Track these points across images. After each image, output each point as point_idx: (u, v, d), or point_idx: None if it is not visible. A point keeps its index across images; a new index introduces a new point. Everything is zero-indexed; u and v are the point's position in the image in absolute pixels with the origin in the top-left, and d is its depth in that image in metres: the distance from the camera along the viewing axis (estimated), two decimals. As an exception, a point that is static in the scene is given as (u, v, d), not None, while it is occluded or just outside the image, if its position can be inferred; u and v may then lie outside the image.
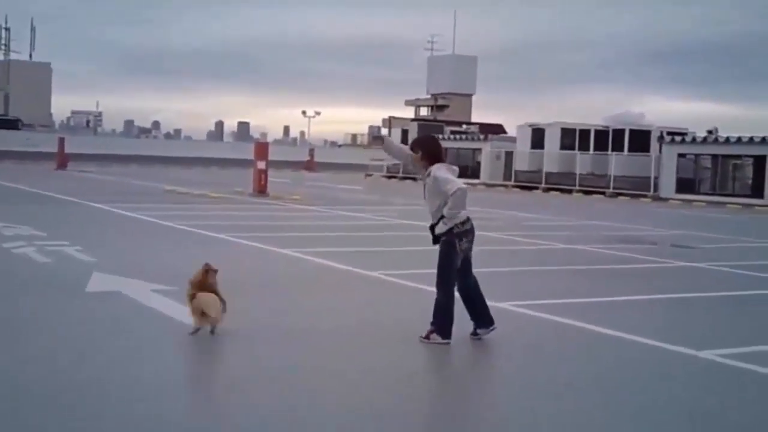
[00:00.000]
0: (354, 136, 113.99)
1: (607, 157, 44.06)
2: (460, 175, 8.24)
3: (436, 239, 8.00)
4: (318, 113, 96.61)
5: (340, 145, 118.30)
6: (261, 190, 29.83)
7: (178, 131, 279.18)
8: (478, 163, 52.74)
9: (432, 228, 7.99)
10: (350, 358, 7.33)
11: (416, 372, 7.11)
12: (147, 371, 6.62)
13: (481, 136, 54.61)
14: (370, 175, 60.20)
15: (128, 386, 6.18)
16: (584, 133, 46.37)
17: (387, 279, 11.55)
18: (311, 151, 71.74)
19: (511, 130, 61.31)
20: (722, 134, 40.94)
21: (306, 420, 5.58)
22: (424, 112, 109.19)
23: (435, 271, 7.97)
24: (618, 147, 43.98)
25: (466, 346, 7.93)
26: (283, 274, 12.06)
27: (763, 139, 37.79)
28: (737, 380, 7.08)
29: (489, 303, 8.11)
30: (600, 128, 46.29)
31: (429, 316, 7.88)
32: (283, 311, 9.24)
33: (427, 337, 7.81)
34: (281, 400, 6.02)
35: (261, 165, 30.37)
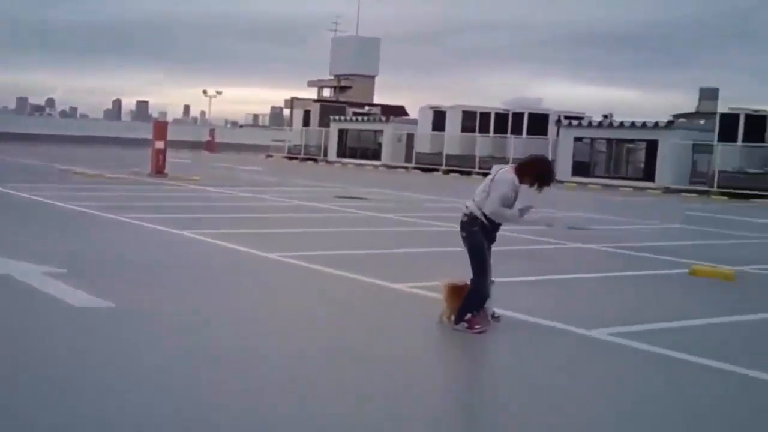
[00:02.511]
0: (256, 117, 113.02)
1: (506, 140, 44.70)
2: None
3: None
4: (219, 93, 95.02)
5: (241, 126, 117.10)
6: (159, 170, 29.30)
7: (74, 109, 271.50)
8: (380, 145, 52.86)
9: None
10: (242, 343, 7.25)
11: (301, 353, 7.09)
12: (32, 356, 6.42)
13: (383, 118, 54.69)
14: (271, 156, 59.77)
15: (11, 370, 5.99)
16: (485, 116, 46.90)
17: (284, 260, 11.46)
18: (212, 132, 70.79)
19: (413, 113, 61.61)
20: (617, 119, 41.98)
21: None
22: (327, 93, 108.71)
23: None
24: (517, 130, 44.64)
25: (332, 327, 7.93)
26: (178, 255, 11.86)
27: (656, 124, 38.90)
28: (626, 357, 7.27)
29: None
30: (500, 111, 46.90)
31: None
32: (175, 294, 9.09)
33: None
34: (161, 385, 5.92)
35: (159, 145, 29.83)
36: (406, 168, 49.04)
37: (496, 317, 8.16)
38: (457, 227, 8.10)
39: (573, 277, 11.44)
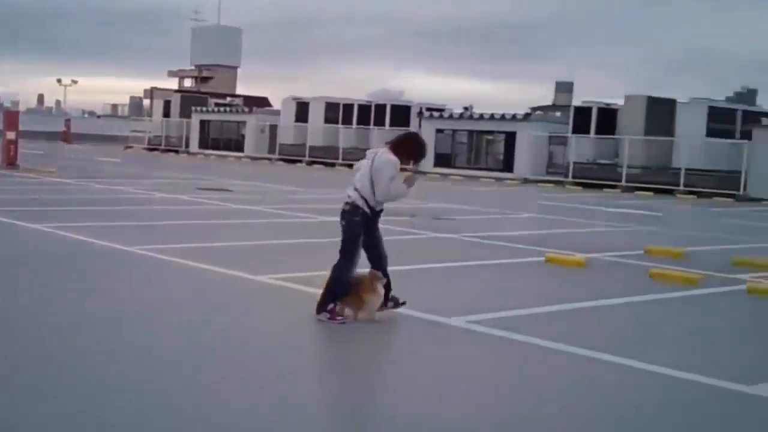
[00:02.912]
0: (115, 107, 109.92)
1: (369, 131, 45.05)
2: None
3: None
4: (75, 82, 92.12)
5: (99, 116, 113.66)
6: (11, 161, 28.26)
7: None
8: (243, 136, 52.42)
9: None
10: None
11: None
12: None
13: (246, 109, 54.25)
14: (131, 147, 58.38)
15: None
16: (348, 108, 47.13)
17: (145, 254, 11.26)
18: (67, 122, 68.56)
19: (276, 104, 61.32)
20: (477, 111, 42.93)
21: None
22: (188, 83, 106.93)
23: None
24: (380, 122, 45.04)
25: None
26: (33, 250, 11.48)
27: (514, 116, 39.97)
28: (482, 343, 7.49)
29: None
30: (363, 103, 47.22)
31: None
32: (29, 291, 8.81)
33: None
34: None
35: (10, 135, 28.79)
36: (269, 159, 48.79)
37: (402, 303, 8.22)
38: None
39: (434, 266, 11.66)
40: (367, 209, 7.90)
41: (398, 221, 17.44)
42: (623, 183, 34.50)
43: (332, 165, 44.97)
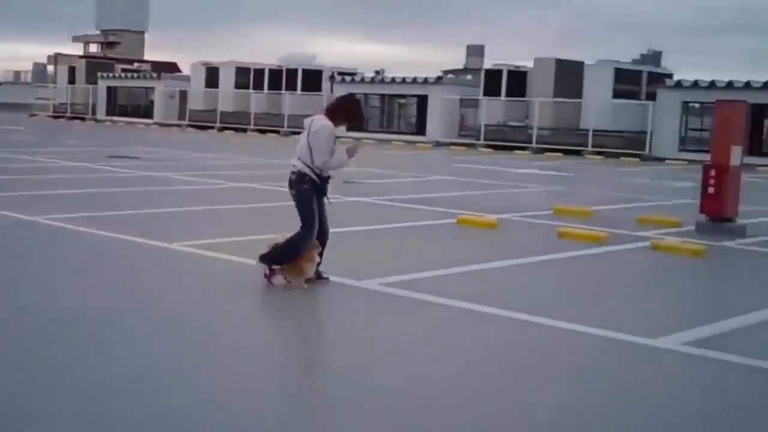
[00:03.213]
0: (17, 74, 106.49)
1: (281, 97, 44.69)
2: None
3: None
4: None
5: (0, 83, 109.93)
6: None
7: None
8: (152, 103, 51.46)
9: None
10: None
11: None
12: None
13: (154, 75, 53.18)
14: (36, 115, 56.78)
15: None
16: (259, 73, 46.60)
17: (53, 224, 11.00)
18: (-34, 90, 66.17)
19: (185, 69, 60.26)
20: (389, 75, 42.97)
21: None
22: (93, 48, 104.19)
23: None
24: (291, 86, 44.70)
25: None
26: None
27: (425, 79, 40.09)
28: (393, 304, 7.57)
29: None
30: (274, 68, 46.74)
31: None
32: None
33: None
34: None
35: None
36: (179, 126, 48.05)
37: (325, 278, 8.21)
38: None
39: (346, 230, 11.69)
40: (314, 176, 7.89)
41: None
42: (533, 145, 35.02)
43: (244, 131, 44.51)
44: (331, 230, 8.26)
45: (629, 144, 33.52)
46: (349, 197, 15.62)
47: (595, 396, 5.40)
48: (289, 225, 8.16)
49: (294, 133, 42.69)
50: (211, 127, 46.14)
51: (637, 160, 31.85)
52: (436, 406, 5.04)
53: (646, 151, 32.78)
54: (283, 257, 7.88)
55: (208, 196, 15.08)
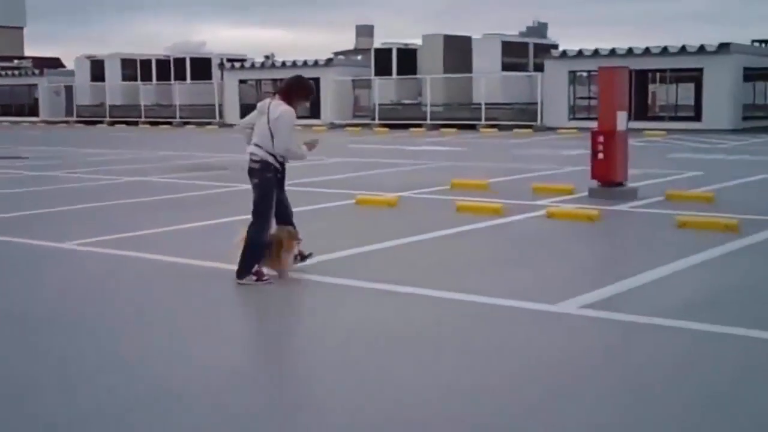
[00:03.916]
0: None
1: (170, 87, 43.93)
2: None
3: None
4: None
5: None
6: None
7: None
8: (36, 100, 49.91)
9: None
10: None
11: None
12: None
13: (37, 71, 51.57)
14: None
15: None
16: (146, 64, 45.71)
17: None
18: None
19: (69, 64, 58.61)
20: (279, 59, 42.61)
21: None
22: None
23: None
24: (181, 76, 43.97)
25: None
26: None
27: (315, 62, 39.92)
28: (301, 287, 7.55)
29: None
30: (161, 58, 45.89)
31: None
32: None
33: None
34: None
35: None
36: (67, 122, 46.80)
37: (308, 255, 8.20)
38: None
39: (242, 218, 11.56)
40: (277, 164, 7.73)
41: (210, 176, 17.20)
42: (428, 121, 35.31)
43: (135, 123, 43.63)
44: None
45: (521, 115, 34.11)
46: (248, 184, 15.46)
47: (495, 364, 5.48)
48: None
49: (186, 123, 42.10)
50: (101, 122, 45.10)
51: (530, 130, 32.44)
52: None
53: (538, 122, 33.42)
54: (254, 259, 7.66)
55: (98, 192, 14.71)
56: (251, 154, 7.76)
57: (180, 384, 5.12)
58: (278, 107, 7.71)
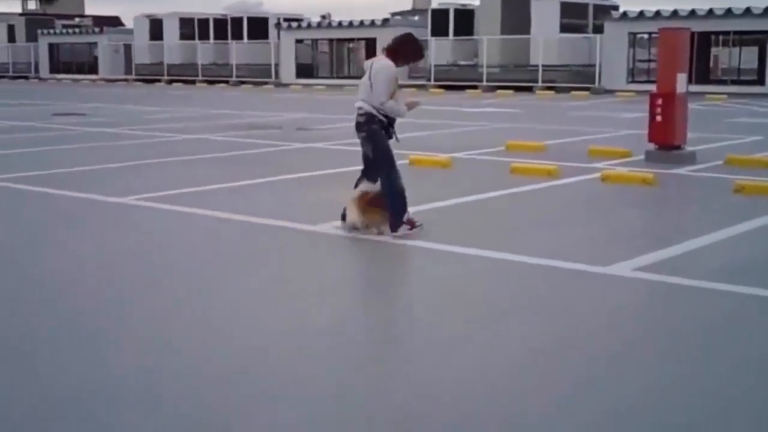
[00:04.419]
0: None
1: (227, 46, 44.14)
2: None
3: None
4: None
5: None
6: None
7: None
8: (96, 58, 50.51)
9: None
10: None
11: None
12: None
13: (97, 30, 52.16)
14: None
15: None
16: (203, 23, 45.95)
17: (13, 187, 10.87)
18: None
19: (128, 22, 59.20)
20: (335, 19, 42.53)
21: None
22: (32, 5, 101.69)
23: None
24: (238, 35, 44.16)
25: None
26: None
27: (372, 22, 39.78)
28: (353, 245, 7.63)
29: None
30: (219, 17, 46.09)
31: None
32: None
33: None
34: None
35: None
36: (126, 80, 47.34)
37: (419, 225, 8.16)
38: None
39: (299, 176, 11.68)
40: (381, 117, 7.76)
41: (264, 134, 17.35)
42: (484, 83, 35.05)
43: (192, 82, 43.99)
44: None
45: (579, 78, 33.67)
46: (302, 143, 15.58)
47: (551, 326, 5.51)
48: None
49: (242, 82, 42.32)
50: (159, 80, 45.55)
51: (587, 93, 32.04)
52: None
53: (596, 84, 32.98)
54: (399, 207, 7.72)
55: (164, 149, 14.93)
56: (358, 108, 7.85)
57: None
58: (380, 62, 7.78)
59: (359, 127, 7.85)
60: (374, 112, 7.72)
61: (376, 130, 7.75)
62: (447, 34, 37.39)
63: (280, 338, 5.20)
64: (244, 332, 5.32)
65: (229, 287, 6.37)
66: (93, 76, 49.08)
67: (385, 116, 7.78)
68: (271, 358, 4.86)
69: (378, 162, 7.82)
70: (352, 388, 4.46)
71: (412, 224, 7.78)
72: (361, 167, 8.11)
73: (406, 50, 7.96)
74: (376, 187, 7.82)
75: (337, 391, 4.39)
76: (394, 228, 7.74)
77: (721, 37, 34.23)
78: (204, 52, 44.92)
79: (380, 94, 7.65)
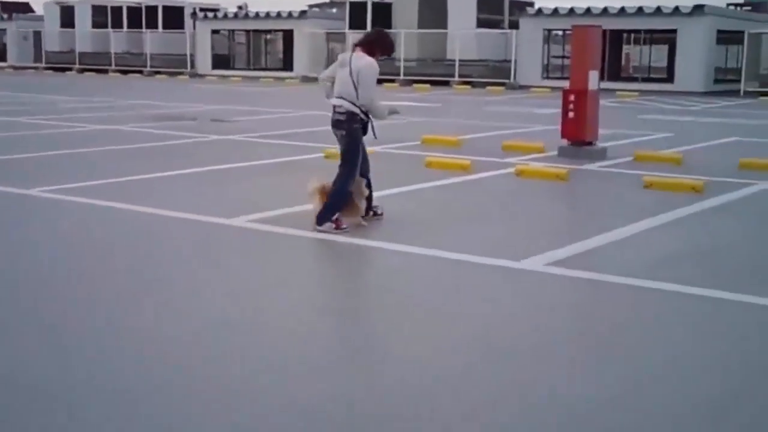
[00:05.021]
0: None
1: (142, 35, 43.35)
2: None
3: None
4: None
5: None
6: None
7: None
8: (4, 45, 49.11)
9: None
10: None
11: None
12: None
13: (5, 16, 50.68)
14: None
15: None
16: (116, 11, 45.04)
17: None
18: None
19: (39, 8, 57.62)
20: (252, 10, 42.13)
21: None
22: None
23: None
24: (152, 24, 43.40)
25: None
26: None
27: (289, 14, 39.51)
28: (266, 239, 7.54)
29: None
30: (133, 5, 45.22)
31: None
32: None
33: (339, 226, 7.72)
34: None
35: None
36: (36, 68, 46.13)
37: (380, 214, 8.28)
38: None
39: (213, 168, 11.53)
40: (362, 115, 7.79)
41: (179, 125, 17.07)
42: (401, 77, 35.12)
43: (105, 72, 43.08)
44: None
45: (495, 73, 34.02)
46: (217, 135, 15.37)
47: (460, 318, 5.52)
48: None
49: (157, 72, 41.60)
50: (70, 69, 44.50)
51: (503, 88, 32.40)
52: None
53: (511, 80, 33.36)
54: (338, 205, 7.75)
55: (72, 140, 14.57)
56: (336, 106, 7.83)
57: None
58: (362, 58, 7.76)
59: (339, 125, 7.86)
60: (356, 110, 7.77)
61: (357, 130, 7.84)
62: (365, 27, 37.27)
63: (175, 329, 5.10)
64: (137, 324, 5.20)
65: (130, 280, 6.22)
66: (1, 64, 47.70)
67: (365, 113, 7.84)
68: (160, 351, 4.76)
69: (345, 160, 7.87)
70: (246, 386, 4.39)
71: (338, 225, 7.76)
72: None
73: (383, 45, 8.04)
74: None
75: (242, 387, 4.32)
76: (319, 221, 7.74)
77: (632, 35, 34.95)
78: (117, 40, 44.04)
79: (367, 91, 7.72)
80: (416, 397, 4.20)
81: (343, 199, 7.79)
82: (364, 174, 8.05)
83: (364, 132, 7.96)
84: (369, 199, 8.17)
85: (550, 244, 7.45)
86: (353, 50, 7.89)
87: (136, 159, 12.36)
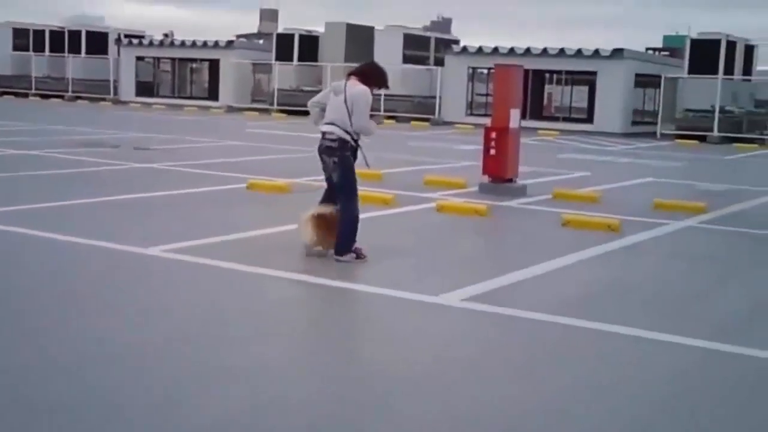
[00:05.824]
0: None
1: (64, 60, 42.67)
2: None
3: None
4: None
5: None
6: None
7: None
8: None
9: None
10: None
11: None
12: None
13: None
14: None
15: None
16: (39, 34, 44.25)
17: None
18: None
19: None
20: (179, 38, 41.84)
21: None
22: None
23: None
24: (75, 49, 42.75)
25: None
26: None
27: (216, 43, 39.36)
28: (179, 270, 7.46)
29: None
30: (56, 29, 44.50)
31: None
32: None
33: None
34: None
35: None
36: (-48, 90, 44.98)
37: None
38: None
39: (132, 197, 11.38)
40: (352, 142, 7.91)
41: (99, 152, 16.82)
42: (327, 109, 35.15)
43: (25, 95, 42.24)
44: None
45: (420, 108, 34.34)
46: (141, 164, 15.19)
47: (372, 351, 5.53)
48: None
49: (78, 97, 40.96)
50: (-12, 92, 43.52)
51: (427, 124, 32.71)
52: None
53: (436, 116, 33.73)
54: (352, 234, 7.91)
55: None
56: (327, 133, 7.95)
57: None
58: (356, 86, 7.91)
59: (330, 152, 7.97)
60: (346, 137, 7.90)
61: (348, 157, 7.97)
62: (291, 59, 37.42)
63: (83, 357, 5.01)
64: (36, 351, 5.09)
65: (38, 310, 6.09)
66: None
67: (355, 141, 7.97)
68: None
69: (342, 188, 8.01)
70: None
71: (358, 254, 7.94)
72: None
73: (380, 78, 8.21)
74: (328, 209, 8.05)
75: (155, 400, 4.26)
76: (339, 252, 7.89)
77: (555, 76, 35.66)
78: (38, 64, 43.24)
79: (361, 118, 7.86)
80: None
81: (355, 226, 7.97)
82: (335, 201, 8.13)
83: (354, 158, 8.09)
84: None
85: (469, 279, 7.53)
86: (347, 79, 8.06)
87: (53, 185, 12.13)
